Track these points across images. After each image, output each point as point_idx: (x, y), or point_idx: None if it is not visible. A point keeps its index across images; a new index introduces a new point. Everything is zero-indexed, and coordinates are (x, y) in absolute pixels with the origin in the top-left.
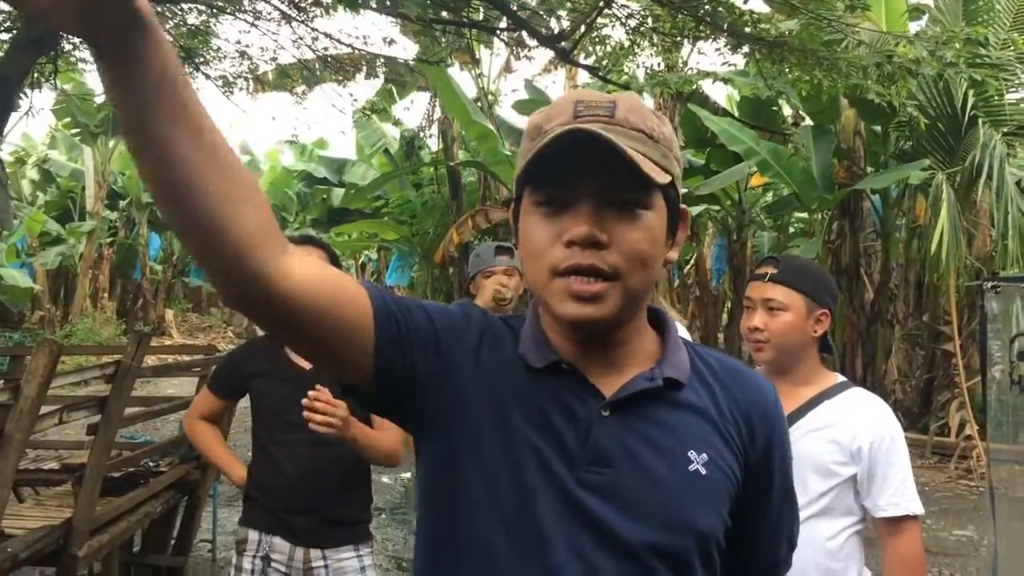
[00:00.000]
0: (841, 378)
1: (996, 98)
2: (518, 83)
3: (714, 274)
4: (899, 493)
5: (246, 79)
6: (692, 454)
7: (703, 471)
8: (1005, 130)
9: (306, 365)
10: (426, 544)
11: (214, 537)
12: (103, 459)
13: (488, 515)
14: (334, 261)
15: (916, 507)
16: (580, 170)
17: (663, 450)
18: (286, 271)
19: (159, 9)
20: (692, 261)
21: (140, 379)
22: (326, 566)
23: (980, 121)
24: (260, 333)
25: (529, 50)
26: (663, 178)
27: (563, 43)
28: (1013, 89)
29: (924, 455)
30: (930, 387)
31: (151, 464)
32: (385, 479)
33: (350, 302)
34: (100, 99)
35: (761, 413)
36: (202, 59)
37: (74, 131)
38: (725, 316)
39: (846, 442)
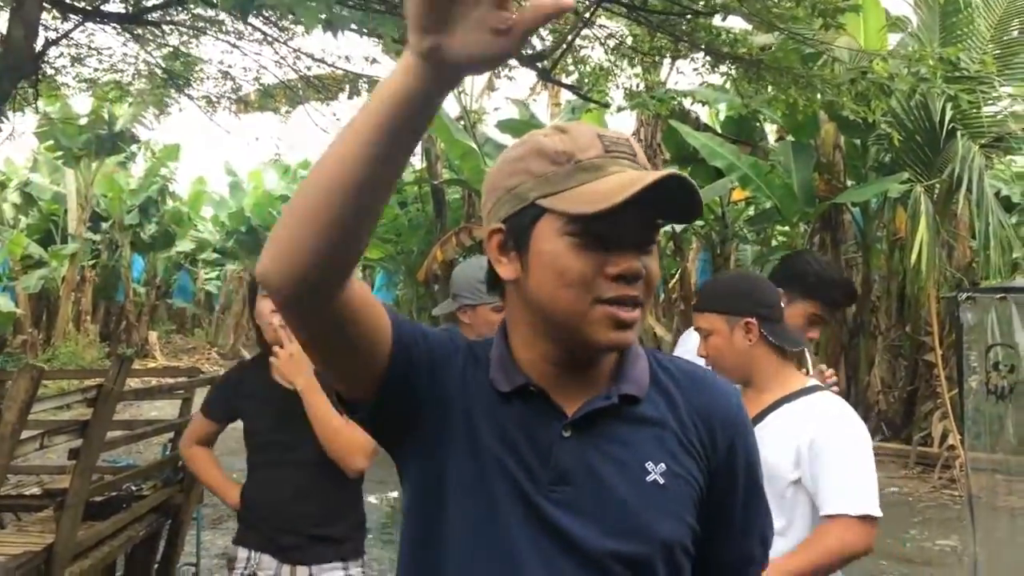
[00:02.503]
0: (811, 382)
1: (973, 111)
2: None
3: (699, 288)
4: (836, 492)
5: (229, 99)
6: (649, 465)
7: (661, 481)
8: (983, 142)
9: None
10: (409, 544)
11: (198, 560)
12: (85, 483)
13: (465, 534)
14: None
15: (853, 508)
16: (648, 211)
17: (621, 464)
18: (351, 280)
19: (140, 31)
20: (677, 275)
21: (122, 402)
22: None
23: (959, 133)
24: (245, 355)
25: (510, 69)
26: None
27: (543, 62)
28: (991, 101)
29: (908, 465)
30: (913, 398)
31: (133, 488)
32: (372, 499)
33: (378, 320)
34: (83, 122)
35: (723, 418)
36: (184, 80)
37: (56, 154)
38: None
39: (793, 445)
